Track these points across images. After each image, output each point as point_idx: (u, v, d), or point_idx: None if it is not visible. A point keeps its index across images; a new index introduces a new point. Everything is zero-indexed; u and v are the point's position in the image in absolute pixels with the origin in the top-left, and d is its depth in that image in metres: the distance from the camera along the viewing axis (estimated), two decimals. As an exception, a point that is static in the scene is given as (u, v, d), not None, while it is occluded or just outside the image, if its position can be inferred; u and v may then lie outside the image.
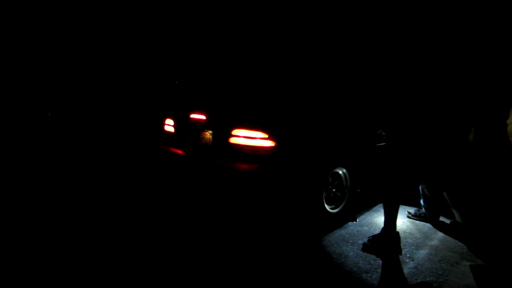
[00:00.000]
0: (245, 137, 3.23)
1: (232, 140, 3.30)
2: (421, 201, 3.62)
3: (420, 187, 3.58)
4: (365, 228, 3.45)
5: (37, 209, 3.57)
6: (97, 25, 6.74)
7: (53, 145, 5.90)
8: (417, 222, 3.61)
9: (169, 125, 3.99)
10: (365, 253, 2.91)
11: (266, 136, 3.15)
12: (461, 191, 3.25)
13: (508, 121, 3.51)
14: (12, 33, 6.13)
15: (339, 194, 3.65)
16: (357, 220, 3.62)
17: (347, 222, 3.55)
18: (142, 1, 6.93)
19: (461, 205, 3.26)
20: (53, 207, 3.64)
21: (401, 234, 3.15)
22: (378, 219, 3.64)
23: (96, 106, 6.57)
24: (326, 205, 3.49)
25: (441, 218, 3.60)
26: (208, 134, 3.52)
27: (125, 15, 6.90)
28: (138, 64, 6.99)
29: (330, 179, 3.55)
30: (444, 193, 3.36)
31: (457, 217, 3.32)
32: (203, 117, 3.57)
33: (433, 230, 3.42)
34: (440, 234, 3.32)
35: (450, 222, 3.47)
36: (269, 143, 3.16)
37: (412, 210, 3.74)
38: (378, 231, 3.08)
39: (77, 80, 6.59)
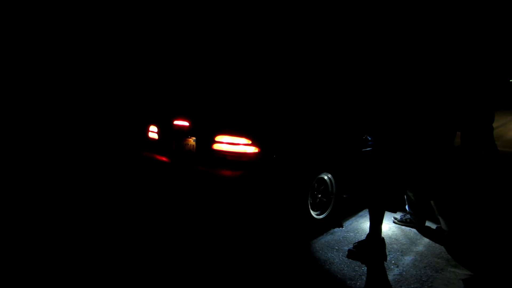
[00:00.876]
0: (229, 143, 3.18)
1: (216, 146, 3.25)
2: (407, 207, 3.61)
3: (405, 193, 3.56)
4: (351, 234, 3.41)
5: (18, 215, 3.48)
6: (78, 30, 6.65)
7: (36, 150, 5.78)
8: (402, 227, 3.59)
9: (153, 132, 3.93)
10: (350, 259, 2.88)
11: (250, 142, 3.11)
12: (447, 198, 3.24)
13: (494, 125, 3.53)
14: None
15: (324, 199, 3.62)
16: (344, 226, 3.59)
17: (333, 228, 3.52)
18: (124, 8, 6.87)
19: (447, 212, 3.25)
20: (37, 214, 3.55)
21: (387, 240, 3.13)
22: (364, 224, 3.61)
23: (81, 113, 6.47)
24: (311, 211, 3.45)
25: (427, 223, 3.58)
26: (191, 141, 3.47)
27: (108, 21, 6.83)
28: (122, 70, 6.92)
29: (316, 184, 3.51)
30: (431, 201, 3.35)
31: (443, 225, 3.30)
32: (186, 123, 3.52)
33: (419, 235, 3.40)
34: (426, 240, 3.30)
35: (436, 228, 3.45)
36: (253, 149, 3.12)
37: (398, 215, 3.72)
38: (364, 237, 3.05)
39: (60, 84, 6.48)
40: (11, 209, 3.72)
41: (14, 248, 2.80)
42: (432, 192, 3.24)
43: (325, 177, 3.61)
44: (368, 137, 4.08)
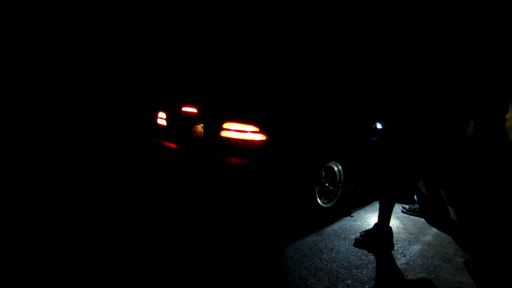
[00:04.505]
0: (236, 130, 3.17)
1: (223, 133, 3.25)
2: (415, 197, 3.57)
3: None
4: (359, 223, 3.41)
5: (27, 206, 3.54)
6: (87, 17, 6.63)
7: (42, 139, 5.84)
8: (411, 217, 3.57)
9: (161, 118, 3.94)
10: (356, 248, 2.88)
11: (257, 129, 3.10)
12: (458, 188, 3.19)
13: (507, 116, 3.45)
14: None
15: (332, 188, 3.60)
16: (352, 215, 3.57)
17: (341, 217, 3.51)
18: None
19: (457, 203, 3.21)
20: (45, 205, 3.61)
21: (395, 229, 3.11)
22: (372, 214, 3.60)
23: (89, 99, 6.49)
24: (318, 200, 3.44)
25: (436, 214, 3.55)
26: (199, 128, 3.47)
27: (116, 8, 6.80)
28: (131, 57, 6.91)
29: (323, 173, 3.50)
30: (442, 191, 3.31)
31: (453, 215, 3.27)
32: (194, 110, 3.52)
33: (427, 225, 3.38)
34: (434, 230, 3.28)
35: (445, 219, 3.41)
36: (260, 137, 3.11)
37: (406, 205, 3.69)
38: (371, 226, 3.03)
39: (68, 72, 6.50)
40: (14, 195, 3.78)
41: (14, 245, 2.77)
42: (443, 181, 3.20)
43: (333, 166, 3.59)
44: (377, 126, 4.03)
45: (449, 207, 3.29)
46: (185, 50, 6.61)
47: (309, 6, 5.36)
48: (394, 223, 3.35)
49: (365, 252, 2.81)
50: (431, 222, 3.43)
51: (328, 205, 3.55)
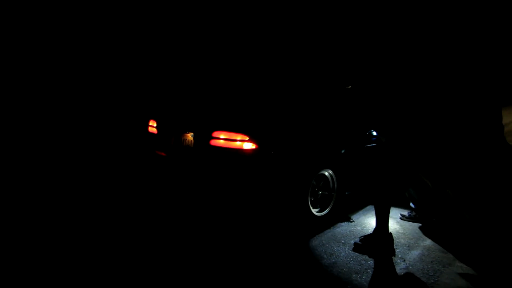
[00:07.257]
0: (226, 139, 3.11)
1: (213, 142, 3.18)
2: (411, 204, 3.52)
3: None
4: (358, 228, 3.34)
5: (28, 207, 3.43)
6: (82, 25, 6.59)
7: (41, 141, 5.73)
8: (410, 222, 3.50)
9: (152, 127, 3.87)
10: (356, 253, 2.80)
11: (247, 138, 3.03)
12: (464, 190, 3.11)
13: (506, 121, 3.40)
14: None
15: (326, 193, 3.50)
16: (352, 220, 3.51)
17: (341, 222, 3.44)
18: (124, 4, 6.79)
19: (467, 201, 3.12)
20: (45, 206, 3.50)
21: (394, 234, 3.04)
22: (372, 219, 3.53)
23: (82, 106, 6.41)
24: (312, 208, 3.33)
25: (434, 220, 3.48)
26: (189, 136, 3.40)
27: (111, 18, 6.78)
28: (125, 65, 6.88)
29: (316, 181, 3.40)
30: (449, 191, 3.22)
31: (467, 215, 3.17)
32: (184, 118, 3.47)
33: (426, 231, 3.31)
34: (434, 235, 3.21)
35: (444, 222, 3.35)
36: (250, 145, 3.03)
37: (405, 212, 3.62)
38: (371, 231, 2.96)
39: (62, 78, 6.41)
40: (12, 207, 3.67)
41: (14, 248, 2.70)
42: (448, 181, 3.11)
43: (326, 174, 3.49)
44: (373, 133, 3.96)
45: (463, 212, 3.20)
46: (177, 59, 6.60)
47: (299, 15, 5.38)
48: (393, 228, 3.28)
49: (364, 257, 2.74)
50: (431, 227, 3.36)
51: (322, 213, 3.45)
